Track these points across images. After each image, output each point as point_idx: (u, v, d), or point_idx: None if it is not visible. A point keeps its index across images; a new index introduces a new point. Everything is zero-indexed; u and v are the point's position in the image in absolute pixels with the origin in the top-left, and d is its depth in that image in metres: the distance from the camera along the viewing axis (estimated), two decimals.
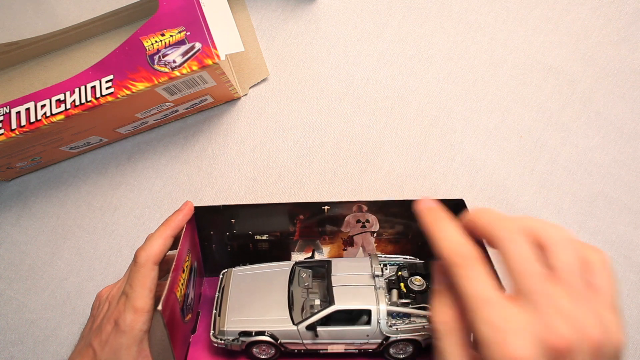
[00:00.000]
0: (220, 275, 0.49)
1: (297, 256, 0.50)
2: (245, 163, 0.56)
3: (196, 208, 0.47)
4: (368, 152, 0.56)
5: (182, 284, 0.43)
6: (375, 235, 0.50)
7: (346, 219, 0.49)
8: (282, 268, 0.47)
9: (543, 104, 0.56)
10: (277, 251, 0.50)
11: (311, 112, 0.57)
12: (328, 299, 0.42)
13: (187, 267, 0.45)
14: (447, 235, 0.31)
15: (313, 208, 0.48)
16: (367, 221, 0.49)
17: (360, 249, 0.51)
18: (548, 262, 0.28)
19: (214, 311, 0.45)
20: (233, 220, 0.48)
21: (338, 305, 0.41)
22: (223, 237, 0.49)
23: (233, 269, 0.49)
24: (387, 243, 0.50)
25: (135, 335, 0.41)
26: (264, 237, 0.49)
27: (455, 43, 0.57)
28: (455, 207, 0.43)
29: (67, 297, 0.55)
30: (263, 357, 0.45)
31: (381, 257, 0.47)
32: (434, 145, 0.56)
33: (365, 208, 0.48)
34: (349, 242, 0.50)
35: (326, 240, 0.50)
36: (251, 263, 0.50)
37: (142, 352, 0.42)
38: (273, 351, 0.44)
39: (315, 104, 0.57)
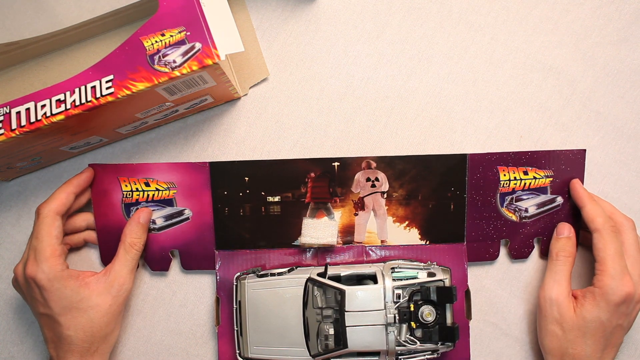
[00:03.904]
0: (234, 281, 0.51)
1: (309, 222, 0.51)
2: None
3: (211, 164, 0.52)
4: (368, 153, 0.56)
5: (134, 187, 0.52)
6: (385, 196, 0.51)
7: (356, 177, 0.51)
8: (295, 284, 0.48)
9: (543, 104, 0.56)
10: (289, 217, 0.52)
11: (311, 112, 0.57)
12: (342, 340, 0.46)
13: (160, 192, 0.52)
14: (598, 211, 0.48)
15: (324, 164, 0.52)
16: (377, 179, 0.51)
17: (372, 213, 0.52)
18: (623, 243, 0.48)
19: (236, 328, 0.50)
20: (247, 179, 0.51)
21: (351, 349, 0.46)
22: (236, 199, 0.52)
23: (246, 281, 0.50)
24: (398, 206, 0.52)
25: (60, 276, 0.45)
26: (276, 198, 0.51)
27: (455, 43, 0.57)
28: (460, 162, 0.52)
29: None
30: None
31: (395, 273, 0.48)
32: (434, 145, 0.56)
33: (374, 164, 0.51)
34: (360, 205, 0.52)
35: (337, 203, 0.52)
36: (263, 229, 0.52)
37: (80, 276, 0.46)
38: None
39: (315, 104, 0.57)
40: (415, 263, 0.49)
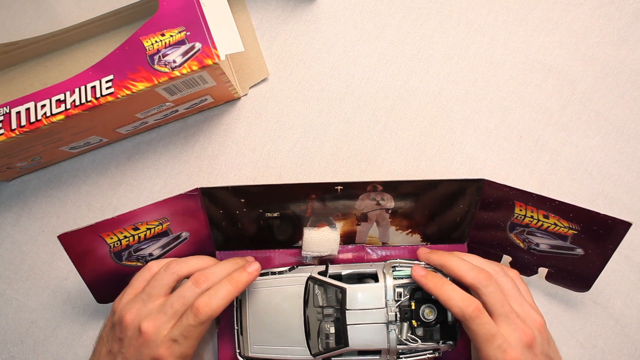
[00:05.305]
0: None
1: (310, 232, 0.50)
2: (245, 163, 0.56)
3: (202, 189, 0.49)
4: (368, 153, 0.56)
5: (122, 236, 0.48)
6: (390, 212, 0.50)
7: (360, 197, 0.50)
8: (295, 282, 0.48)
9: (543, 104, 0.56)
10: (288, 227, 0.51)
11: (311, 112, 0.57)
12: (342, 338, 0.46)
13: (152, 230, 0.49)
14: (453, 295, 0.42)
15: (326, 189, 0.49)
16: (382, 199, 0.49)
17: (375, 224, 0.51)
18: (501, 288, 0.43)
19: (236, 327, 0.49)
20: (243, 200, 0.49)
21: (352, 347, 0.45)
22: (233, 215, 0.50)
23: None
24: (402, 218, 0.51)
25: None
26: (275, 214, 0.50)
27: (455, 43, 0.57)
28: (474, 187, 0.49)
29: (67, 297, 0.55)
30: None
31: (396, 271, 0.48)
32: (434, 145, 0.56)
33: (380, 188, 0.49)
34: (363, 217, 0.51)
35: (339, 217, 0.51)
36: (262, 240, 0.51)
37: None
38: None
39: (315, 104, 0.57)
40: (416, 262, 0.49)
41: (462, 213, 0.50)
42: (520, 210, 0.48)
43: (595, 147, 0.55)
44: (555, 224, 0.47)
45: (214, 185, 0.49)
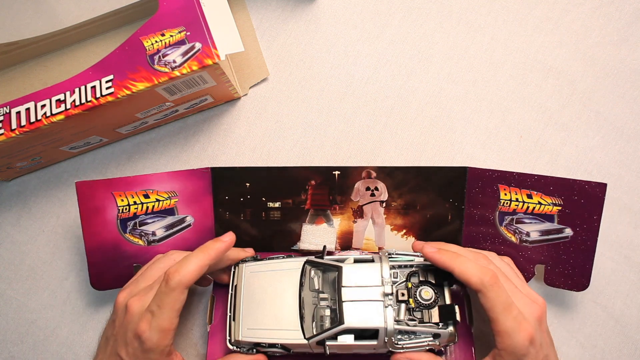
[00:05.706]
0: (232, 268, 0.49)
1: (308, 226, 0.51)
2: (245, 163, 0.56)
3: (213, 170, 0.50)
4: (368, 153, 0.56)
5: (132, 200, 0.49)
6: (384, 205, 0.51)
7: (355, 186, 0.51)
8: (292, 267, 0.47)
9: (543, 104, 0.56)
10: (288, 222, 0.52)
11: (311, 112, 0.57)
12: (338, 317, 0.44)
13: (161, 202, 0.50)
14: (469, 265, 0.42)
15: (324, 173, 0.51)
16: (376, 189, 0.51)
17: (370, 220, 0.52)
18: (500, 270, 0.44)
19: (229, 314, 0.47)
20: (248, 184, 0.51)
21: (347, 325, 0.43)
22: (237, 204, 0.51)
23: (245, 264, 0.49)
24: (397, 215, 0.52)
25: (163, 351, 0.43)
26: (277, 204, 0.51)
27: (455, 43, 0.57)
28: (459, 175, 0.50)
29: (67, 297, 0.55)
30: (277, 354, 0.47)
31: (392, 257, 0.47)
32: (434, 145, 0.56)
33: (374, 174, 0.51)
34: (359, 213, 0.52)
35: (337, 211, 0.52)
36: (263, 233, 0.52)
37: (172, 355, 0.44)
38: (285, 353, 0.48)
39: (315, 104, 0.57)
40: (411, 253, 0.49)
41: (453, 210, 0.51)
42: (505, 194, 0.49)
43: (595, 147, 0.55)
44: (539, 202, 0.48)
45: (224, 166, 0.50)
